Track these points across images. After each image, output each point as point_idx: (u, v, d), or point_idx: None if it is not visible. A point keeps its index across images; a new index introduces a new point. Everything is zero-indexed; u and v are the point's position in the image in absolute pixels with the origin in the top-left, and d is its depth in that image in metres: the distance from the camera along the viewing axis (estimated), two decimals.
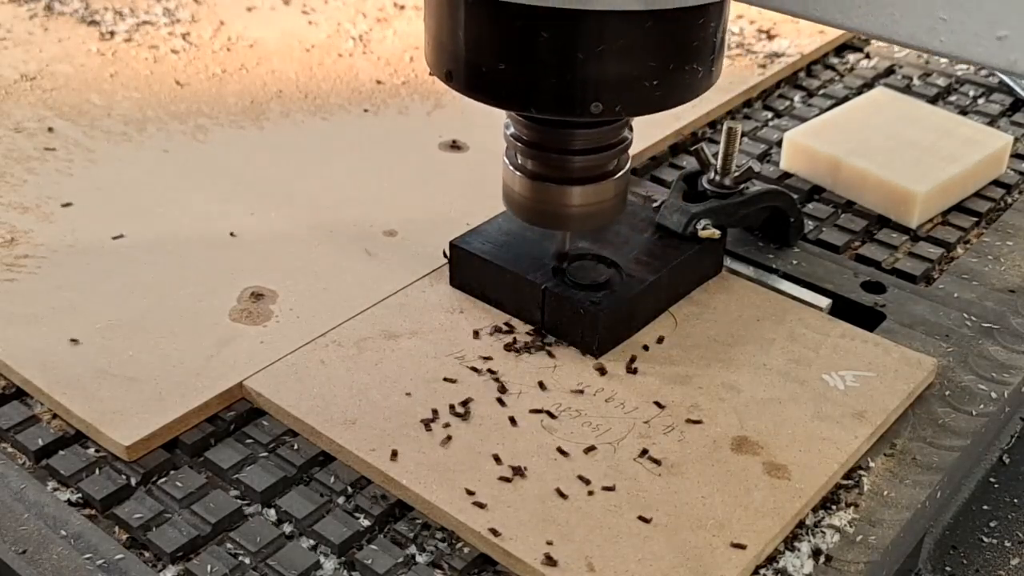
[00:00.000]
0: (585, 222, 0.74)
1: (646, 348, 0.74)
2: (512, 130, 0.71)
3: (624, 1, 0.59)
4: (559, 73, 0.61)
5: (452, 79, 0.65)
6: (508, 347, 0.73)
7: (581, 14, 0.59)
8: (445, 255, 0.80)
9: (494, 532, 0.61)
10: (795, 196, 0.86)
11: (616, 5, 0.59)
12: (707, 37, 0.63)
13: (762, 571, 0.61)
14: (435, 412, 0.68)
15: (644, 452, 0.66)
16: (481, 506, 0.62)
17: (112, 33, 1.14)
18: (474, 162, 0.95)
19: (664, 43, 0.61)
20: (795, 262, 0.84)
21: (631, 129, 0.72)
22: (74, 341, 0.73)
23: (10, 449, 0.68)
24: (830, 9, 0.47)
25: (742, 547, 0.60)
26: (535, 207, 0.72)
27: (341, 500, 0.65)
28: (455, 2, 0.63)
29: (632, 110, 0.64)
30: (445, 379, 0.71)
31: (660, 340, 0.74)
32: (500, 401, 0.69)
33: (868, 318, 0.79)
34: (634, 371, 0.72)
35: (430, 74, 0.69)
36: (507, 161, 0.73)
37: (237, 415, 0.69)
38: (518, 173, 0.72)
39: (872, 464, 0.67)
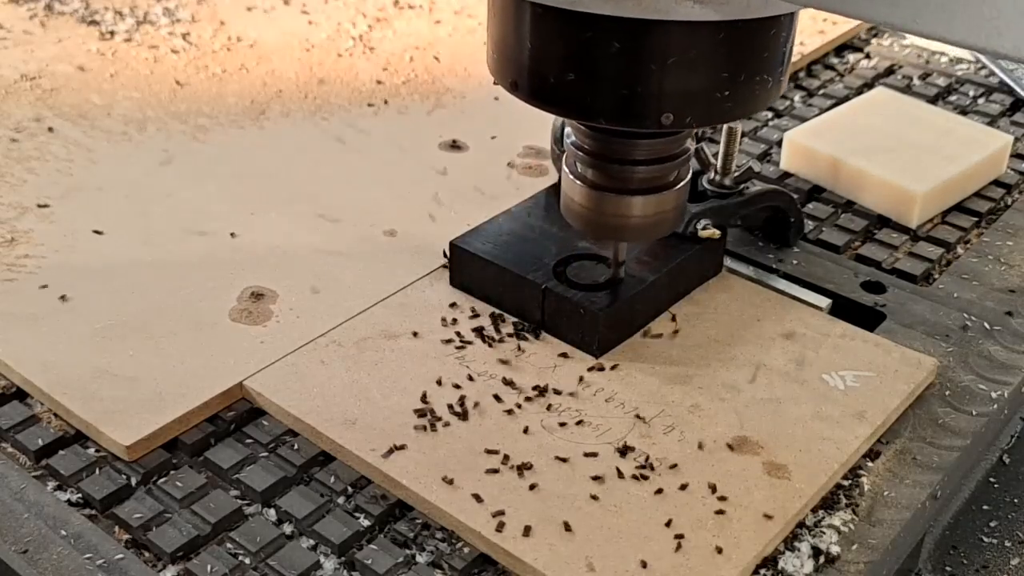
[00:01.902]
0: (645, 233, 0.72)
1: (646, 348, 0.74)
2: (574, 139, 0.69)
3: (702, 12, 0.57)
4: (630, 84, 0.60)
5: (518, 89, 0.64)
6: (508, 347, 0.73)
7: (654, 24, 0.58)
8: (445, 255, 0.80)
9: (494, 531, 0.61)
10: (795, 196, 0.86)
11: (694, 16, 0.57)
12: (778, 47, 0.62)
13: (762, 571, 0.61)
14: (435, 412, 0.68)
15: (644, 452, 0.66)
16: (481, 506, 0.62)
17: (112, 33, 1.14)
18: (474, 162, 0.95)
19: (737, 53, 0.60)
20: (795, 262, 0.84)
21: (696, 139, 0.70)
22: (74, 340, 0.73)
23: (10, 449, 0.68)
24: (930, 22, 0.46)
25: (742, 547, 0.60)
26: (594, 218, 0.70)
27: (341, 500, 0.65)
28: (521, 11, 0.61)
29: (702, 121, 0.63)
30: (445, 379, 0.71)
31: (660, 340, 0.74)
32: (500, 400, 0.69)
33: (868, 318, 0.79)
34: (634, 371, 0.72)
35: (494, 83, 0.67)
36: (567, 170, 0.71)
37: (237, 415, 0.69)
38: (578, 183, 0.70)
39: (872, 464, 0.67)
